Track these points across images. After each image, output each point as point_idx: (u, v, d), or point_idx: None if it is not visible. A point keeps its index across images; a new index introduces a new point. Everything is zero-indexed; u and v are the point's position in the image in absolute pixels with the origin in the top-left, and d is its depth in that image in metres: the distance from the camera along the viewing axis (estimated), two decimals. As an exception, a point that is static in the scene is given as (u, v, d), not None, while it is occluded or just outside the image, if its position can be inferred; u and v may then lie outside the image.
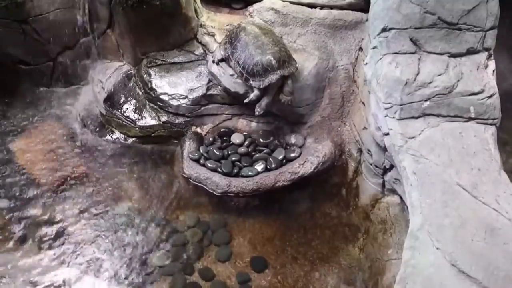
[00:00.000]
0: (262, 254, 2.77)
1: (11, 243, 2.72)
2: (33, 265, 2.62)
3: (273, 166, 3.02)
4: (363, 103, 2.98)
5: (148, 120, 3.31)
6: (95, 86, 3.49)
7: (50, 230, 2.79)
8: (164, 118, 3.28)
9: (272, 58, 2.90)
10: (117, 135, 3.36)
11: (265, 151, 3.14)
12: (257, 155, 3.11)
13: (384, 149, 2.64)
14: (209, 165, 3.05)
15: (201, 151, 3.13)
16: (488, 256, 1.99)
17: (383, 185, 2.85)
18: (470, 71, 2.51)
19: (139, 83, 3.37)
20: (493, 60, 2.58)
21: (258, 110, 3.01)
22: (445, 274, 1.97)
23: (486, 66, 2.55)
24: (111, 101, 3.38)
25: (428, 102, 2.44)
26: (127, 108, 3.35)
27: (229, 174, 3.00)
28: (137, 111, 3.33)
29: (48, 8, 3.30)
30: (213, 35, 3.33)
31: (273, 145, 3.17)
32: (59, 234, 2.78)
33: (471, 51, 2.55)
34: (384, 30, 2.56)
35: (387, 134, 2.51)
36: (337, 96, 3.22)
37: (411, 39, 2.53)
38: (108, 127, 3.39)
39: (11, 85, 3.58)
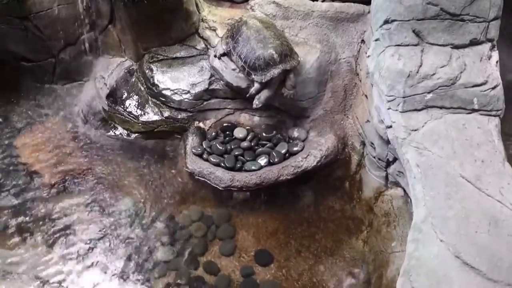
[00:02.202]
0: (266, 248, 2.78)
1: (16, 239, 2.73)
2: (38, 261, 2.64)
3: (276, 160, 3.02)
4: (366, 96, 2.97)
5: (151, 115, 3.31)
6: (97, 82, 3.49)
7: (55, 226, 2.81)
8: (166, 113, 3.28)
9: (274, 52, 2.89)
10: (120, 130, 3.37)
11: (268, 145, 3.14)
12: (260, 149, 3.11)
13: (387, 142, 2.64)
14: (212, 159, 3.05)
15: (204, 146, 3.13)
16: (492, 247, 1.99)
17: (387, 178, 2.85)
18: (473, 62, 2.49)
19: (141, 78, 3.37)
20: (497, 51, 2.56)
21: (256, 103, 3.00)
22: (449, 266, 1.98)
23: (490, 57, 2.54)
24: (114, 97, 3.38)
25: (431, 94, 2.43)
26: (130, 104, 3.35)
27: (232, 169, 3.00)
28: (139, 107, 3.34)
29: (49, 4, 3.29)
30: (214, 30, 3.32)
31: (276, 139, 3.17)
32: (63, 230, 2.80)
33: (474, 42, 2.53)
34: (386, 22, 2.55)
35: (390, 126, 2.50)
36: (340, 89, 3.22)
37: (413, 31, 2.51)
38: (110, 123, 3.40)
39: (13, 82, 3.58)
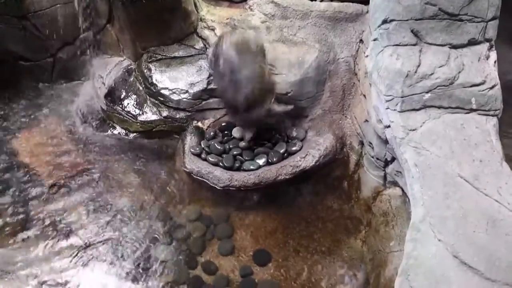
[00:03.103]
0: (264, 248, 2.78)
1: (13, 239, 2.73)
2: (36, 260, 2.64)
3: (274, 159, 3.02)
4: (364, 95, 2.97)
5: (149, 115, 3.31)
6: (95, 81, 3.49)
7: (53, 226, 2.80)
8: (165, 113, 3.28)
9: (243, 101, 2.86)
10: (118, 130, 3.37)
11: (266, 145, 3.14)
12: (259, 149, 3.11)
13: (386, 142, 2.64)
14: (210, 159, 3.05)
15: (203, 145, 3.13)
16: (490, 247, 1.99)
17: (385, 177, 2.85)
18: (471, 62, 2.49)
19: (140, 78, 3.37)
20: (495, 51, 2.56)
21: (246, 139, 3.06)
22: (447, 265, 1.98)
23: (488, 57, 2.54)
24: (112, 96, 3.38)
25: (429, 94, 2.44)
26: (128, 103, 3.35)
27: (231, 168, 3.00)
28: (138, 106, 3.33)
29: (48, 3, 3.30)
30: (213, 29, 3.32)
31: (274, 139, 3.17)
32: (62, 230, 2.79)
33: (472, 42, 2.53)
34: (384, 22, 2.55)
35: (389, 126, 2.50)
36: (338, 89, 3.22)
37: (412, 31, 2.51)
38: (109, 123, 3.40)
39: (11, 82, 3.58)
